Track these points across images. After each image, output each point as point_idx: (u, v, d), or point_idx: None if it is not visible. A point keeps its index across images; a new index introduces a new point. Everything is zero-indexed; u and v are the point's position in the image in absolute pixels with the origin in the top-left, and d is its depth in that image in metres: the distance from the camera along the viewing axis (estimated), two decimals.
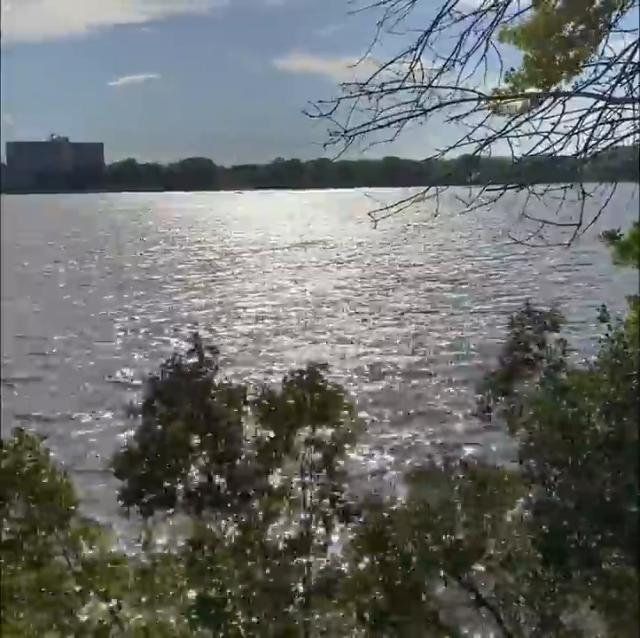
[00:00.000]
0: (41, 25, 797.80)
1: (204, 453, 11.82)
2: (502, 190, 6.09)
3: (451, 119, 6.09)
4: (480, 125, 6.04)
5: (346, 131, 6.02)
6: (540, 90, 6.52)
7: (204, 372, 11.97)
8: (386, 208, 6.10)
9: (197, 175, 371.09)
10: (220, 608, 9.21)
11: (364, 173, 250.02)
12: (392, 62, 5.99)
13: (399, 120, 6.07)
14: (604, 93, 5.96)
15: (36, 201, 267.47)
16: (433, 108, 6.06)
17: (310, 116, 5.97)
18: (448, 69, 6.11)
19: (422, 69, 6.02)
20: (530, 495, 10.89)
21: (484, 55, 6.11)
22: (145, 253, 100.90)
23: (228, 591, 9.47)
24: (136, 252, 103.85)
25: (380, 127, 6.05)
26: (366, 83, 5.93)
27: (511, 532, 11.73)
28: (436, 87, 6.05)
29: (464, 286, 67.62)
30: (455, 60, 6.14)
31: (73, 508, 10.99)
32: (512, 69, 6.54)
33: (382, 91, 5.93)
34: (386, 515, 12.16)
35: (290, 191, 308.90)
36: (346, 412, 12.31)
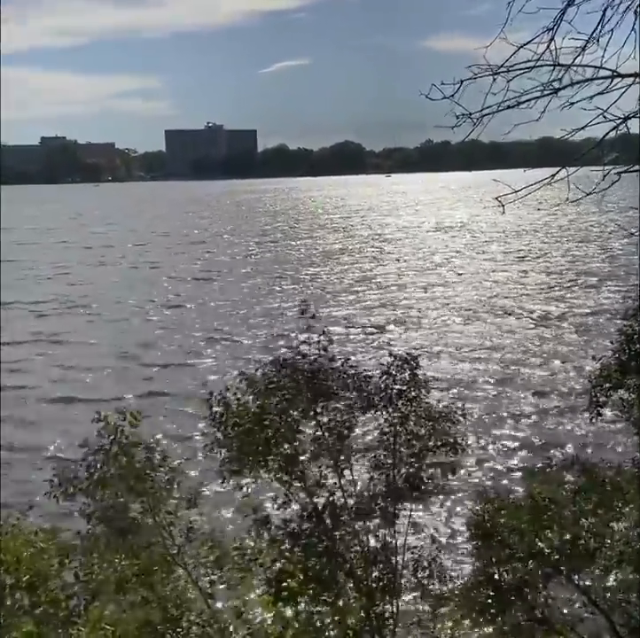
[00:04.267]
0: (200, 14, 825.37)
1: None
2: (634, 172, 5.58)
3: (589, 97, 5.80)
4: (612, 104, 5.70)
5: (470, 114, 5.84)
6: None
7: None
8: (515, 192, 5.96)
9: (346, 160, 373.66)
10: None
11: (518, 154, 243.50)
12: (529, 42, 5.73)
13: (529, 100, 5.83)
14: None
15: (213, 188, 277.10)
16: (565, 87, 5.78)
17: (434, 99, 5.82)
18: (587, 47, 5.73)
19: (556, 49, 5.72)
20: None
21: (633, 28, 5.61)
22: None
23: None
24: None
25: (509, 107, 5.82)
26: (502, 65, 5.72)
27: (629, 534, 11.46)
28: (572, 65, 5.73)
29: None
30: (593, 37, 5.75)
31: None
32: None
33: (519, 70, 5.75)
34: (497, 506, 11.78)
35: (439, 174, 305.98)
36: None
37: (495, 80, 5.71)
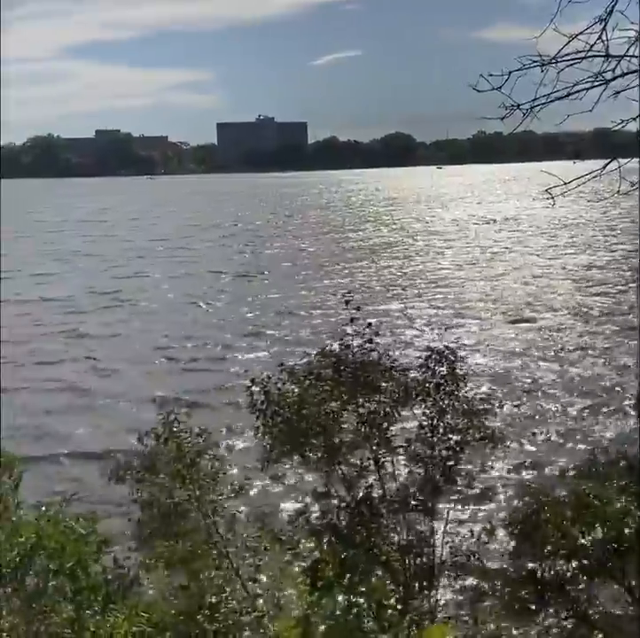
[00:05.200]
0: (252, 6, 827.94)
1: None
2: None
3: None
4: None
5: (519, 105, 5.89)
6: None
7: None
8: (565, 184, 5.99)
9: (397, 151, 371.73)
10: None
11: (573, 145, 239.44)
12: (581, 33, 5.76)
13: (580, 91, 5.85)
14: None
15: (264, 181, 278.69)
16: (616, 77, 5.76)
17: (482, 90, 5.87)
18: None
19: (607, 39, 5.73)
20: None
21: None
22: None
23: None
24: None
25: (559, 98, 5.87)
26: (553, 57, 5.78)
27: None
28: (625, 56, 5.73)
29: None
30: None
31: None
32: None
33: (570, 61, 5.79)
34: (540, 501, 11.66)
35: (492, 165, 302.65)
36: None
37: (545, 70, 5.72)
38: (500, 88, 5.78)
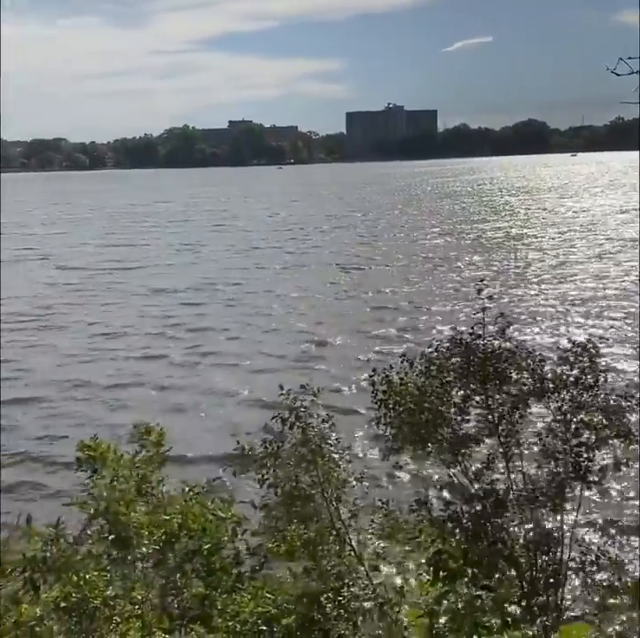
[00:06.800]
0: None
1: None
2: None
3: None
4: None
5: None
6: None
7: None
8: None
9: (529, 139, 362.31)
10: None
11: None
12: None
13: None
14: None
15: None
16: None
17: (620, 74, 5.61)
18: None
19: None
20: None
21: None
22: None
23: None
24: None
25: None
26: None
27: None
28: None
29: None
30: None
31: None
32: None
33: None
34: None
35: (631, 152, 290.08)
36: None
37: None
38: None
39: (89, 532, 9.44)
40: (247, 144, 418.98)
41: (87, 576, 8.47)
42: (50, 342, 40.61)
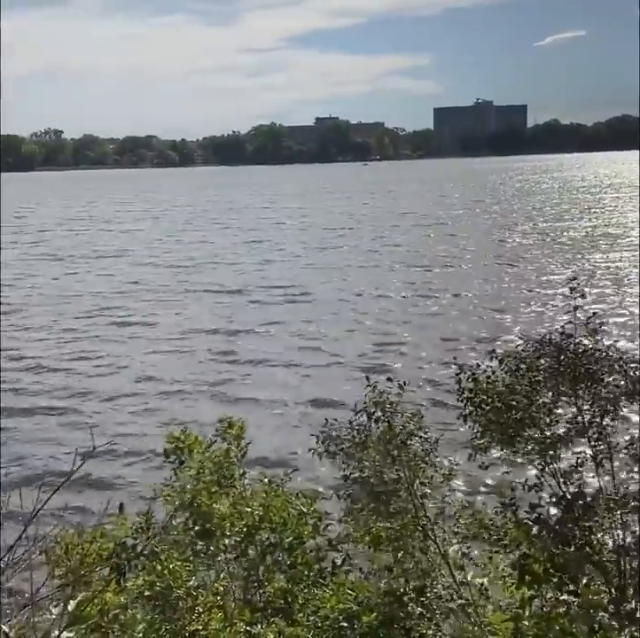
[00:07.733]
0: None
1: None
2: None
3: None
4: None
5: None
6: None
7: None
8: None
9: (623, 135, 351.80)
10: None
11: None
12: None
13: None
14: None
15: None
16: None
17: None
18: None
19: None
20: None
21: None
22: None
23: None
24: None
25: None
26: None
27: None
28: None
29: None
30: None
31: None
32: None
33: None
34: None
35: None
36: None
37: None
38: None
39: (174, 522, 9.58)
40: (333, 141, 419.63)
41: (171, 566, 8.61)
42: None
